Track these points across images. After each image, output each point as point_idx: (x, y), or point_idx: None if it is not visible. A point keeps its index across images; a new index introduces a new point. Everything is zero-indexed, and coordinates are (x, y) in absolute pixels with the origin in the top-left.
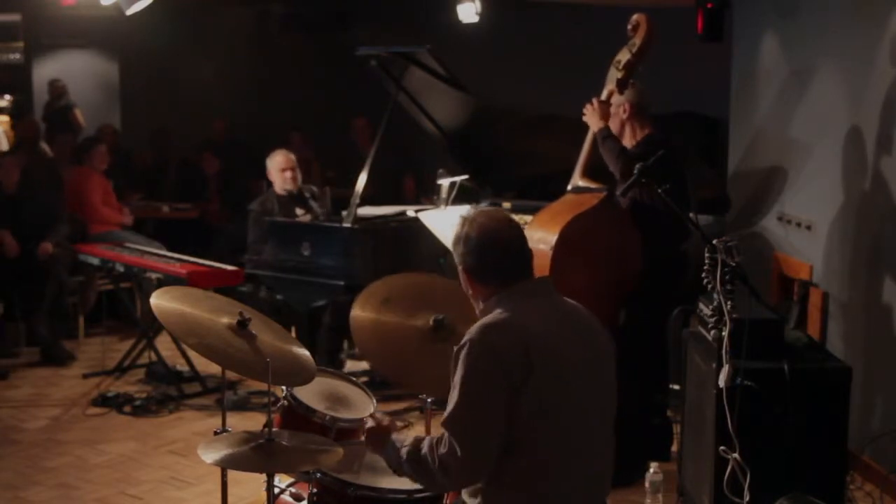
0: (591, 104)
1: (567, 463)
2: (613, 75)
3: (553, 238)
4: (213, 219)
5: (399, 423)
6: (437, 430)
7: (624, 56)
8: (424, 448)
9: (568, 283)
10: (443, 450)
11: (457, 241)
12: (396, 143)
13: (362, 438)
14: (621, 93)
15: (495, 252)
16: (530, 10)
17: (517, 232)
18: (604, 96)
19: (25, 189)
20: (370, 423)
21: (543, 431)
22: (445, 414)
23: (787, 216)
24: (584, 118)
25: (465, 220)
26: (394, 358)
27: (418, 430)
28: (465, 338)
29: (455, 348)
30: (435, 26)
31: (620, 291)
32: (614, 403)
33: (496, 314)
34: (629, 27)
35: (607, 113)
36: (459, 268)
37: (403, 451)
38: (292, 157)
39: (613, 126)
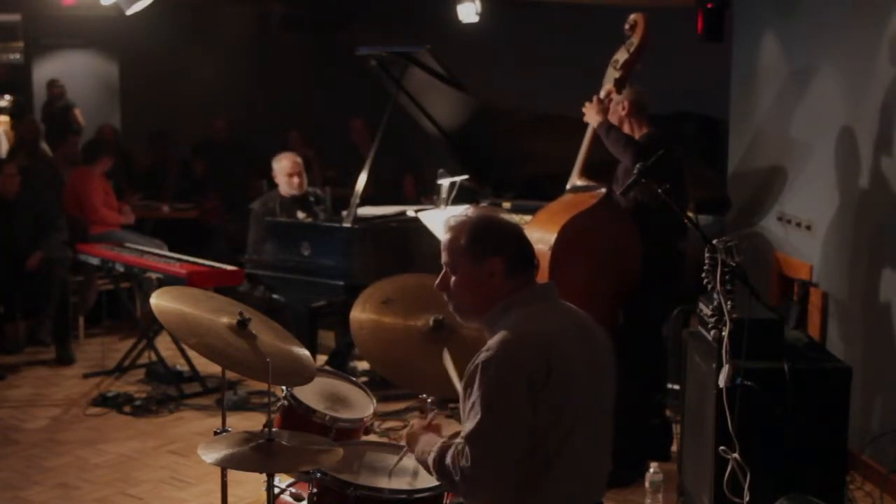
0: (591, 101)
1: (573, 462)
2: (611, 75)
3: (552, 237)
4: (211, 218)
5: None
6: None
7: (622, 55)
8: (448, 458)
9: (567, 282)
10: (464, 463)
11: (455, 239)
12: (396, 143)
13: (363, 438)
14: (619, 92)
15: (511, 238)
16: (530, 10)
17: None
18: (602, 96)
19: (24, 193)
20: (409, 427)
21: (553, 432)
22: (468, 429)
23: (786, 216)
24: (585, 118)
25: (457, 219)
26: (394, 358)
27: None
28: (485, 354)
29: (471, 365)
30: (435, 26)
31: (619, 290)
32: (614, 402)
33: (513, 327)
34: (626, 26)
35: (606, 108)
36: (465, 269)
37: (430, 458)
38: (300, 160)
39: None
